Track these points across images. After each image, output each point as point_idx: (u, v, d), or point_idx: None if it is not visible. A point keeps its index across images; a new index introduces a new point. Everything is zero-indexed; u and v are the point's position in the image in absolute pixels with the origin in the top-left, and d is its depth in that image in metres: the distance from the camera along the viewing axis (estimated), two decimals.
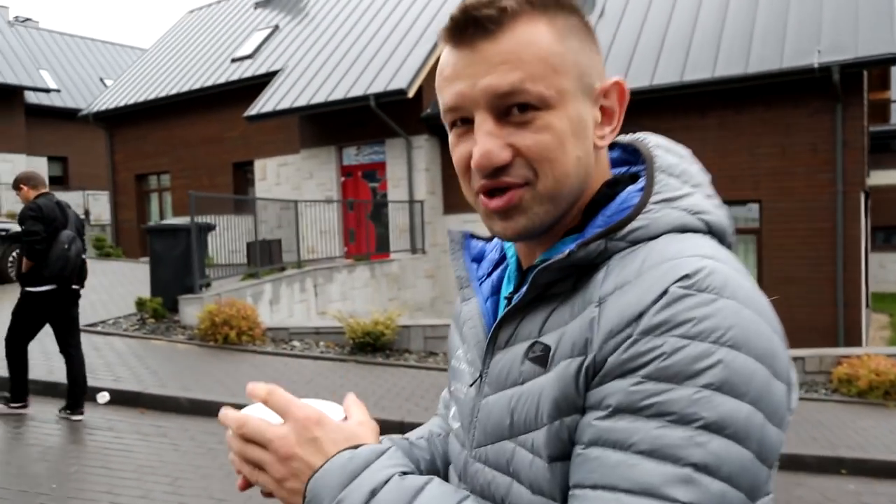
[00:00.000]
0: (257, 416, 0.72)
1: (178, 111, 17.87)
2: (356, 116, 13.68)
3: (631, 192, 0.74)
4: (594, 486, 0.61)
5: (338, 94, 13.33)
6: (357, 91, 13.05)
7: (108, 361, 6.29)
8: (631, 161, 0.80)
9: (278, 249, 10.47)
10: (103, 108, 19.41)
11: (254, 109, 14.40)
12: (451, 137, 0.76)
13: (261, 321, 7.34)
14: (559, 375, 0.66)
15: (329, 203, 13.70)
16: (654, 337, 0.61)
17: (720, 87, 10.75)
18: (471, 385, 0.82)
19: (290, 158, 15.73)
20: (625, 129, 0.83)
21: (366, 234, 14.27)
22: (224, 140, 17.01)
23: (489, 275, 0.87)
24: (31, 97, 24.24)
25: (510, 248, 0.85)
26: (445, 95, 0.73)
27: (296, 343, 7.39)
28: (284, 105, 14.00)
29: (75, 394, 5.03)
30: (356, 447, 0.70)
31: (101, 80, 27.36)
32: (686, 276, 0.62)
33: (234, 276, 9.40)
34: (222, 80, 16.59)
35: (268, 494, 0.73)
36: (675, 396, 0.59)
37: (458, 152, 0.74)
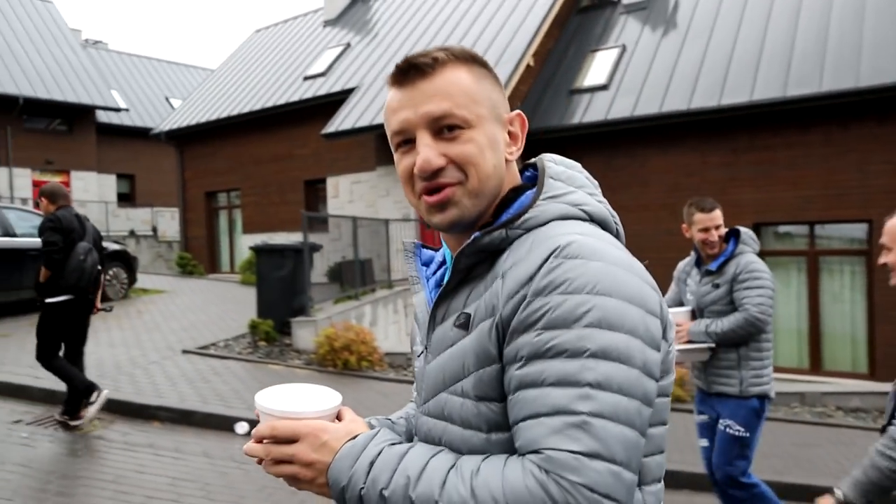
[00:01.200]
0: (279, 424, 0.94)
1: (248, 129, 18.03)
2: None
3: (528, 195, 0.99)
4: (525, 419, 0.81)
5: None
6: None
7: (234, 388, 6.16)
8: (539, 177, 1.02)
9: (371, 269, 10.33)
10: (175, 126, 19.70)
11: (332, 127, 14.39)
12: (396, 156, 1.00)
13: (377, 346, 7.14)
14: (478, 334, 0.89)
15: (407, 221, 13.57)
16: (542, 297, 0.82)
17: (826, 101, 10.29)
18: (418, 356, 1.08)
19: (363, 176, 15.68)
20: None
21: None
22: (295, 157, 17.08)
23: (434, 273, 1.10)
24: (101, 116, 24.86)
25: (448, 252, 1.08)
26: (393, 123, 0.99)
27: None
28: (363, 122, 13.95)
29: (75, 400, 5.14)
30: (354, 437, 0.92)
31: (167, 98, 27.96)
32: (559, 248, 0.85)
33: (328, 298, 9.27)
34: (295, 98, 16.66)
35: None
36: (566, 338, 0.80)
37: (402, 165, 0.98)
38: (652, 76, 12.51)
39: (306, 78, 17.21)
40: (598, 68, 13.51)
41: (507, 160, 0.99)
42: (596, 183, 1.03)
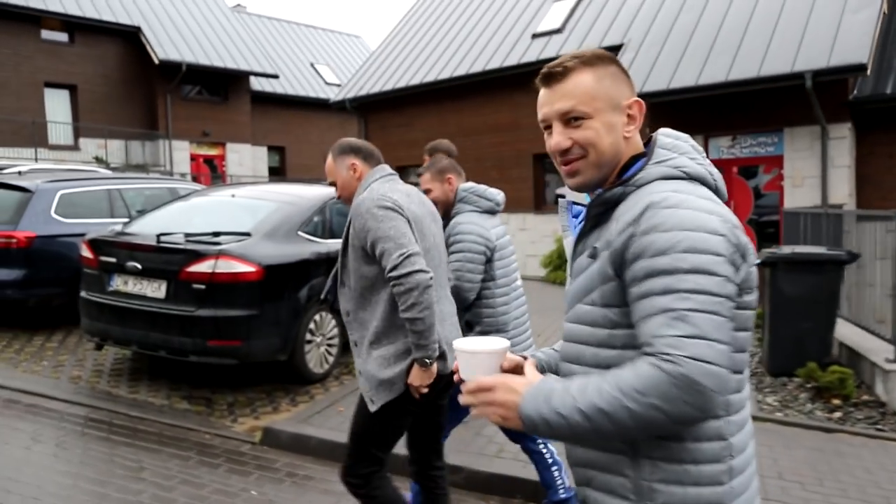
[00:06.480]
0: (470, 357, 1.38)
1: (455, 95, 15.86)
2: (733, 101, 11.12)
3: (642, 161, 1.36)
4: (642, 319, 1.18)
5: (743, 72, 10.71)
6: (777, 67, 10.40)
7: (813, 466, 3.95)
8: (651, 147, 1.42)
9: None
10: (360, 93, 17.68)
11: None
12: (545, 136, 1.41)
13: None
14: (601, 261, 1.30)
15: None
16: (647, 236, 1.19)
17: None
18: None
19: None
20: None
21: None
22: (522, 127, 14.75)
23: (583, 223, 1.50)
24: (254, 84, 23.13)
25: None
26: (540, 114, 1.40)
27: None
28: (652, 87, 11.54)
29: None
30: (532, 383, 1.27)
31: (312, 65, 26.08)
32: (651, 203, 1.23)
33: None
34: (528, 59, 14.36)
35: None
36: (666, 261, 1.16)
37: (548, 144, 1.39)
38: None
39: (535, 35, 14.89)
40: None
41: (626, 137, 1.36)
42: (700, 149, 1.38)
